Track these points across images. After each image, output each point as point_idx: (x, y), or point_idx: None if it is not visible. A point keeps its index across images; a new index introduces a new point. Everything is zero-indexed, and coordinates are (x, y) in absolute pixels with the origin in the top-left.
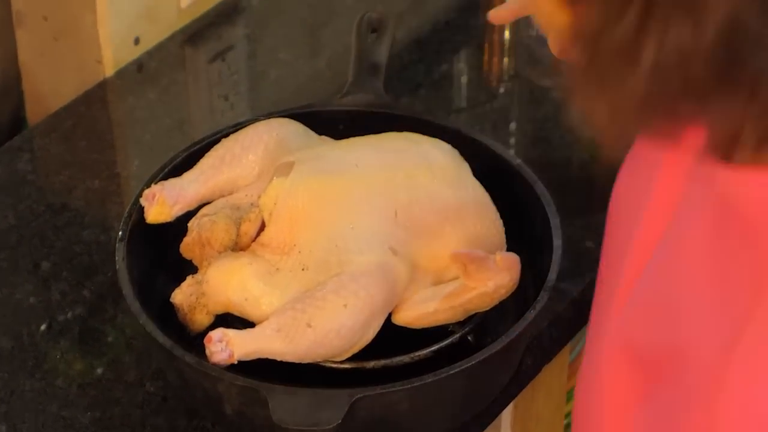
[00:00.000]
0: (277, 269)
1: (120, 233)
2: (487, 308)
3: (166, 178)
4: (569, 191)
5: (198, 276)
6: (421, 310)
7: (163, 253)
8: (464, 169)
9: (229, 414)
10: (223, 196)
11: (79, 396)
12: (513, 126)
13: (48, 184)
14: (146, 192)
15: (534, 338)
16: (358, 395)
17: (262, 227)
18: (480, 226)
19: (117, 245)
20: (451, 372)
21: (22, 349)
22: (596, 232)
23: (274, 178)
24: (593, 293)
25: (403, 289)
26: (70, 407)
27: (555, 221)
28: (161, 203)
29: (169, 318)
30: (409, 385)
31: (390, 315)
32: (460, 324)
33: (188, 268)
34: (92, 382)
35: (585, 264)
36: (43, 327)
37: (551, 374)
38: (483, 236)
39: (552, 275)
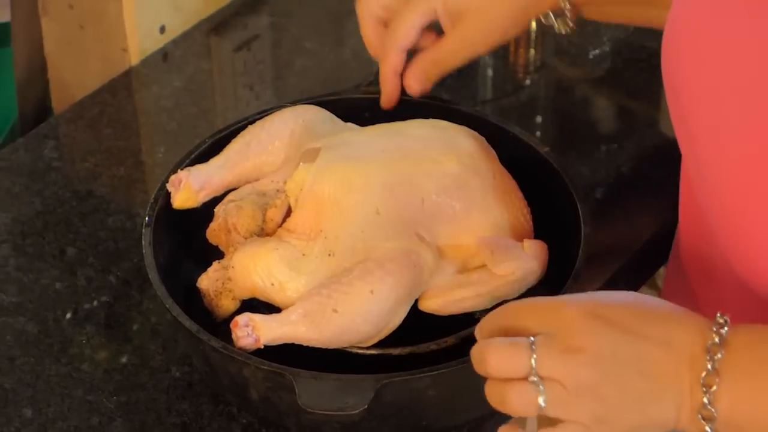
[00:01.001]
0: (303, 255)
1: (146, 219)
2: (515, 296)
3: (191, 165)
4: (596, 180)
5: (224, 261)
6: (447, 297)
7: (189, 240)
8: (491, 156)
9: (255, 399)
10: (249, 182)
11: (105, 381)
12: (539, 117)
13: (73, 171)
14: (173, 177)
15: None
16: (384, 381)
17: (288, 213)
18: (507, 213)
19: (143, 230)
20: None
21: (48, 334)
22: (623, 220)
23: (300, 164)
24: (619, 281)
25: (430, 275)
26: (96, 392)
27: (583, 209)
28: (188, 189)
29: (195, 304)
30: (436, 372)
31: (416, 302)
32: (487, 311)
33: (213, 254)
34: (118, 367)
35: (612, 251)
36: (68, 312)
37: None
38: (510, 224)
39: (580, 263)
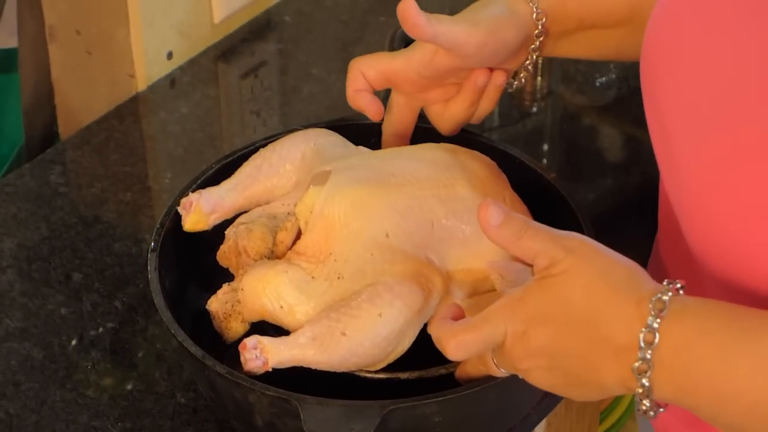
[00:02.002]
0: (313, 278)
1: (152, 243)
2: None
3: (196, 190)
4: (602, 208)
5: (234, 284)
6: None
7: (195, 265)
8: (502, 181)
9: (260, 425)
10: (259, 205)
11: (110, 407)
12: (546, 144)
13: (80, 196)
14: (183, 200)
15: None
16: (390, 407)
17: (298, 236)
18: None
19: (149, 255)
20: (485, 385)
21: (53, 360)
22: (628, 247)
23: (311, 186)
24: None
25: (439, 299)
26: (101, 418)
27: (590, 233)
28: (198, 212)
29: (201, 329)
30: (442, 398)
31: (425, 326)
32: None
33: (219, 279)
34: (123, 393)
35: None
36: (74, 338)
37: None
38: None
39: None
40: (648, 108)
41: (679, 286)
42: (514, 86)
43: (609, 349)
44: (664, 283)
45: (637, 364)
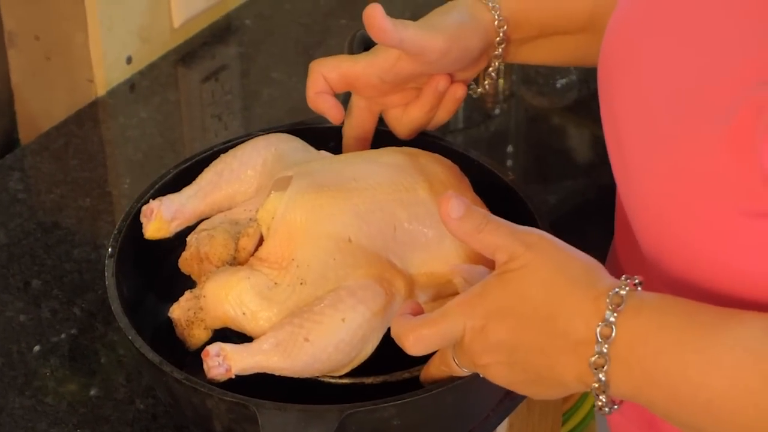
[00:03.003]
0: (275, 284)
1: (110, 250)
2: None
3: (155, 195)
4: (564, 210)
5: (196, 291)
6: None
7: (154, 272)
8: (464, 184)
9: (219, 431)
10: (221, 211)
11: (69, 413)
12: (508, 146)
13: (39, 202)
14: (144, 208)
15: None
16: (349, 411)
17: (260, 242)
18: None
19: (107, 261)
20: (443, 388)
21: (12, 366)
22: (591, 248)
23: (272, 192)
24: None
25: (402, 304)
26: (60, 425)
27: None
28: (159, 219)
29: (161, 336)
30: (401, 401)
31: (389, 330)
32: None
33: (178, 286)
34: (82, 399)
35: None
36: (33, 344)
37: None
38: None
39: None
40: (604, 114)
41: (637, 281)
42: (479, 92)
43: (567, 343)
44: (622, 278)
45: (593, 359)
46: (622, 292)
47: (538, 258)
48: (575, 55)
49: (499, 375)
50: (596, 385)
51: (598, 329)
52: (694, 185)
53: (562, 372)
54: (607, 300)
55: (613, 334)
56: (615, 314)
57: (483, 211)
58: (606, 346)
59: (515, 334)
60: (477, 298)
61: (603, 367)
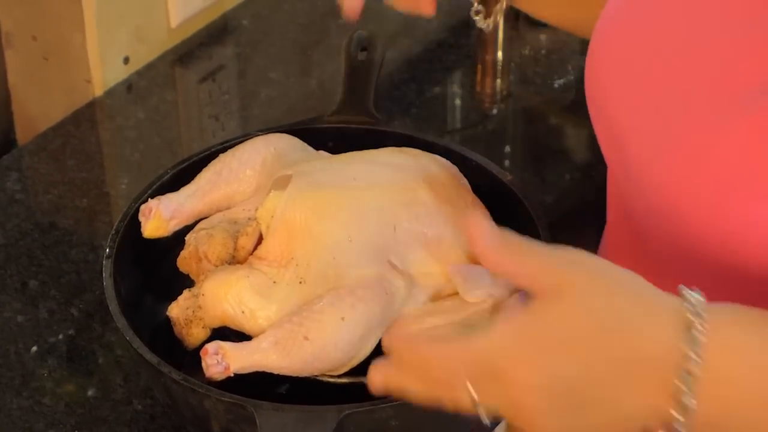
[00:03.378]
0: (274, 282)
1: (107, 250)
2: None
3: (153, 196)
4: (562, 210)
5: (194, 290)
6: (419, 325)
7: (151, 272)
8: (463, 184)
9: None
10: (220, 210)
11: (67, 414)
12: (506, 145)
13: (36, 203)
14: (143, 207)
15: None
16: (347, 411)
17: (260, 241)
18: None
19: (104, 262)
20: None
21: (10, 367)
22: (588, 249)
23: (272, 191)
24: None
25: (401, 303)
26: (57, 425)
27: (546, 236)
28: (158, 218)
29: (159, 337)
30: (399, 402)
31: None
32: None
33: (176, 286)
34: (80, 400)
35: None
36: (30, 345)
37: None
38: None
39: None
40: (596, 115)
41: (699, 293)
42: (485, 25)
43: (644, 369)
44: (684, 289)
45: (678, 381)
46: (698, 306)
47: (590, 277)
48: (575, 21)
49: (543, 421)
50: (675, 413)
51: (684, 346)
52: (718, 174)
53: (633, 406)
54: (687, 314)
55: (699, 352)
56: (700, 329)
57: (514, 236)
58: (695, 363)
59: (579, 366)
60: (528, 327)
61: (690, 386)
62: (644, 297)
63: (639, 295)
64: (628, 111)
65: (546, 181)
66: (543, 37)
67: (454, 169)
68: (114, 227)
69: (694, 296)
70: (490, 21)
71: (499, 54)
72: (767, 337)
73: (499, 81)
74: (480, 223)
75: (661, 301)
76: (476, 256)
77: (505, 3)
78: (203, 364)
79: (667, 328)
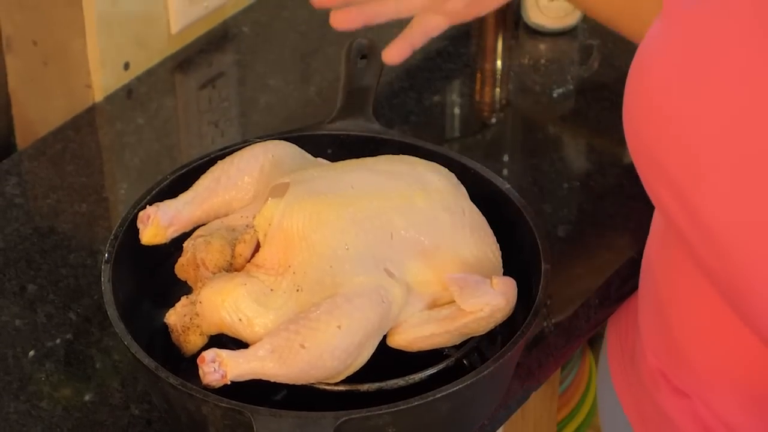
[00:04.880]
0: (272, 290)
1: (106, 255)
2: (483, 332)
3: (152, 202)
4: (560, 219)
5: (192, 297)
6: (416, 334)
7: (150, 277)
8: (461, 193)
9: None
10: (218, 217)
11: (64, 418)
12: (505, 155)
13: (35, 207)
14: (141, 214)
15: (522, 363)
16: (344, 418)
17: (257, 248)
18: (476, 250)
19: (103, 267)
20: (438, 395)
21: (7, 371)
22: (585, 258)
23: (269, 199)
24: (581, 319)
25: (398, 311)
26: (55, 429)
27: (544, 245)
28: (156, 225)
29: (156, 342)
30: (395, 408)
31: (385, 338)
32: (456, 348)
33: (174, 292)
34: (77, 404)
35: (574, 290)
36: (28, 349)
37: (540, 402)
38: (479, 260)
39: (539, 300)
40: (649, 169)
41: None
42: None
43: None
44: None
45: None
46: None
47: None
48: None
49: None
50: None
51: None
52: None
53: None
54: None
55: None
56: None
57: None
58: None
59: None
60: None
61: None
62: None
63: None
64: (706, 153)
65: (544, 190)
66: (542, 46)
67: (453, 177)
68: (113, 232)
69: None
70: None
71: (499, 63)
72: None
73: (498, 90)
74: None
75: None
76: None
77: None
78: (200, 371)
79: None
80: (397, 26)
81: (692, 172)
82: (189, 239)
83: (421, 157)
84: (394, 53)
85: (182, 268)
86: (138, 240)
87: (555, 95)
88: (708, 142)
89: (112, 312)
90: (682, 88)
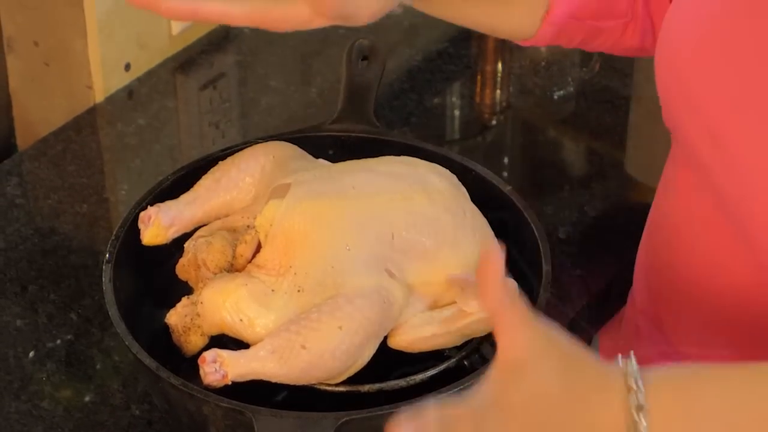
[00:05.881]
0: (273, 291)
1: (107, 255)
2: (485, 333)
3: (153, 202)
4: (560, 221)
5: (193, 297)
6: (417, 334)
7: (151, 278)
8: (461, 194)
9: None
10: (219, 218)
11: (65, 419)
12: (505, 157)
13: (36, 208)
14: (142, 214)
15: None
16: (345, 419)
17: (258, 249)
18: (477, 251)
19: (104, 267)
20: (440, 396)
21: (8, 371)
22: (586, 260)
23: (271, 199)
24: (582, 320)
25: (399, 312)
26: (56, 429)
27: (545, 247)
28: (157, 225)
29: (157, 342)
30: (396, 409)
31: (386, 338)
32: (457, 348)
33: (175, 292)
34: (78, 404)
35: (574, 292)
36: (29, 349)
37: None
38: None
39: (541, 301)
40: (686, 118)
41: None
42: None
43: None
44: (620, 358)
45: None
46: (636, 373)
47: (547, 357)
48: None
49: None
50: None
51: (632, 413)
52: None
53: None
54: (632, 384)
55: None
56: (641, 394)
57: (515, 294)
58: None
59: None
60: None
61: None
62: (591, 370)
63: (586, 368)
64: (737, 113)
65: (545, 193)
66: (543, 48)
67: (454, 178)
68: (114, 233)
69: (632, 365)
70: None
71: (499, 65)
72: (707, 401)
73: (498, 92)
74: (495, 266)
75: (605, 371)
76: (480, 295)
77: None
78: (201, 371)
79: (614, 400)
80: (398, 29)
81: (722, 103)
82: (190, 240)
83: (422, 159)
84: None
85: (183, 268)
86: (139, 240)
87: (556, 97)
88: (740, 73)
89: (113, 312)
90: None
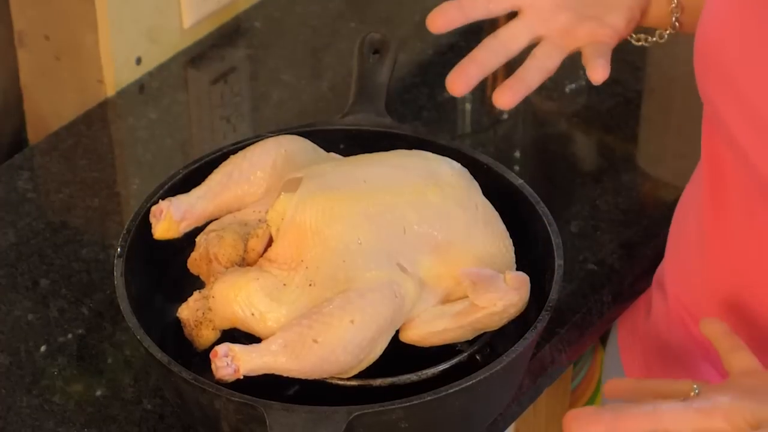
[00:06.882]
0: (284, 285)
1: (119, 249)
2: (496, 327)
3: (164, 196)
4: (572, 215)
5: (205, 291)
6: (429, 329)
7: (162, 272)
8: (474, 188)
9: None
10: (230, 212)
11: (76, 413)
12: (516, 150)
13: (48, 202)
14: (154, 208)
15: (535, 359)
16: (357, 413)
17: (270, 243)
18: (489, 245)
19: (115, 261)
20: (451, 391)
21: (20, 365)
22: (598, 254)
23: (282, 193)
24: (594, 315)
25: (411, 306)
26: (67, 424)
27: (557, 241)
28: (169, 219)
29: (168, 336)
30: (408, 403)
31: (397, 333)
32: (469, 343)
33: (187, 287)
34: (90, 399)
35: (586, 285)
36: (40, 344)
37: (553, 398)
38: (492, 255)
39: (553, 295)
40: (726, 99)
41: None
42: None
43: None
44: None
45: None
46: None
47: None
48: None
49: None
50: None
51: None
52: None
53: None
54: None
55: None
56: None
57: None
58: None
59: None
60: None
61: None
62: None
63: None
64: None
65: (556, 186)
66: None
67: (466, 172)
68: (125, 227)
69: None
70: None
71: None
72: None
73: None
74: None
75: None
76: None
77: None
78: (213, 366)
79: None
80: (409, 22)
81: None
82: (201, 234)
83: (433, 152)
84: (508, 97)
85: (195, 262)
86: (150, 234)
87: (567, 90)
88: None
89: (124, 306)
90: None
